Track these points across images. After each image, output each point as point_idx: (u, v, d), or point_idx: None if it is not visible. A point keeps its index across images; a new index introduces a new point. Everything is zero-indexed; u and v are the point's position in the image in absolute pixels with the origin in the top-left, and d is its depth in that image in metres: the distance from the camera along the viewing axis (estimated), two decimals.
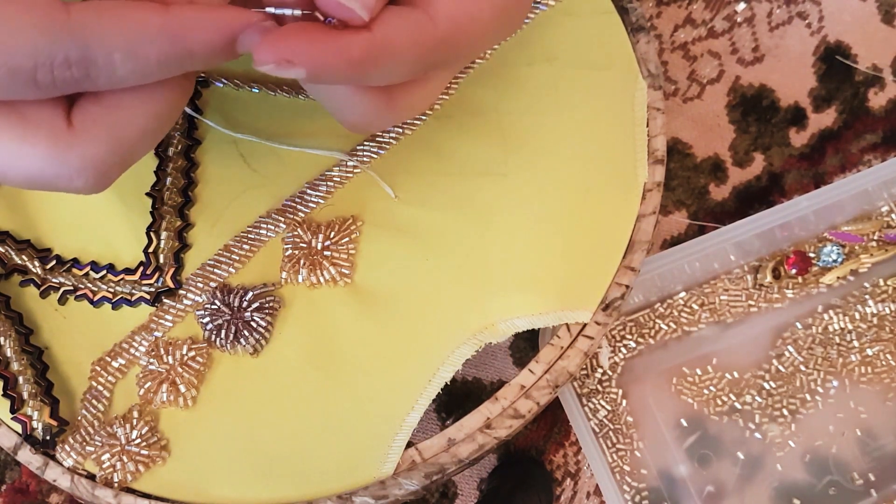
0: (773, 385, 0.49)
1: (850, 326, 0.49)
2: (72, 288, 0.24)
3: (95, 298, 0.24)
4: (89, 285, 0.24)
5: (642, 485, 0.49)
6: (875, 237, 0.50)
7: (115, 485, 0.23)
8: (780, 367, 0.49)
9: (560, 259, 0.24)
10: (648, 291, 0.49)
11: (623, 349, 0.50)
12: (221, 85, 0.26)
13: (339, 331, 0.24)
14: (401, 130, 0.26)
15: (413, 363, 0.23)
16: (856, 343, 0.49)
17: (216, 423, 0.23)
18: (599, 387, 0.49)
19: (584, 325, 0.24)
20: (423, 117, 0.26)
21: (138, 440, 0.23)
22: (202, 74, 0.26)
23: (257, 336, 0.23)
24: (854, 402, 0.49)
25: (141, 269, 0.24)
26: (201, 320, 0.24)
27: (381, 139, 0.26)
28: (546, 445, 0.66)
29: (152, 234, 0.24)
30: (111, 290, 0.24)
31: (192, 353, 0.24)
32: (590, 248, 0.24)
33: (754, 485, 0.48)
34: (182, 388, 0.23)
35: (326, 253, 0.24)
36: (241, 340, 0.23)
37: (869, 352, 0.49)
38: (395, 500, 0.22)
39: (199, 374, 0.23)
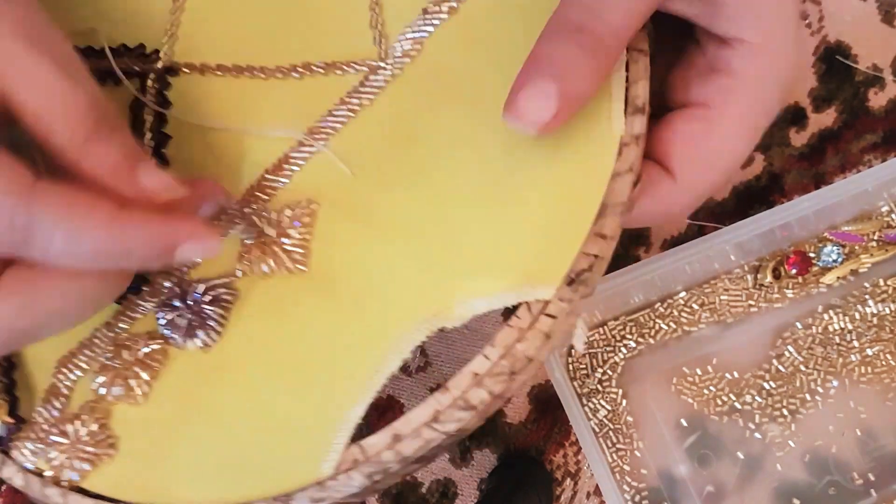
0: (773, 385, 0.49)
1: (850, 326, 0.49)
2: None
3: None
4: None
5: (642, 485, 0.49)
6: (875, 237, 0.50)
7: (64, 483, 0.22)
8: (780, 367, 0.49)
9: (523, 231, 0.22)
10: (648, 291, 0.49)
11: (623, 349, 0.50)
12: (189, 72, 0.26)
13: (290, 322, 0.23)
14: (358, 103, 0.25)
15: (359, 354, 0.22)
16: (856, 343, 0.49)
17: (164, 422, 0.23)
18: (599, 387, 0.49)
19: (547, 302, 0.21)
20: (377, 90, 0.25)
21: (87, 437, 0.22)
22: (172, 64, 0.26)
23: (208, 329, 0.23)
24: (854, 402, 0.49)
25: None
26: (157, 316, 0.23)
27: (338, 113, 0.25)
28: (546, 445, 0.66)
29: None
30: None
31: (147, 350, 0.23)
32: (555, 214, 0.22)
33: (754, 485, 0.48)
34: (134, 385, 0.23)
35: (279, 239, 0.23)
36: (193, 335, 0.23)
37: (869, 352, 0.49)
38: (334, 502, 0.21)
39: (154, 370, 0.23)
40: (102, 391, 0.23)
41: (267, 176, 0.25)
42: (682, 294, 0.50)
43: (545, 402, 0.68)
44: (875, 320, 0.49)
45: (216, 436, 0.22)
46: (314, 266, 0.23)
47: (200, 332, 0.23)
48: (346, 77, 0.25)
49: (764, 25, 0.22)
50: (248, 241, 0.24)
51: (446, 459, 0.68)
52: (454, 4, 0.25)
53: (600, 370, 0.50)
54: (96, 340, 0.24)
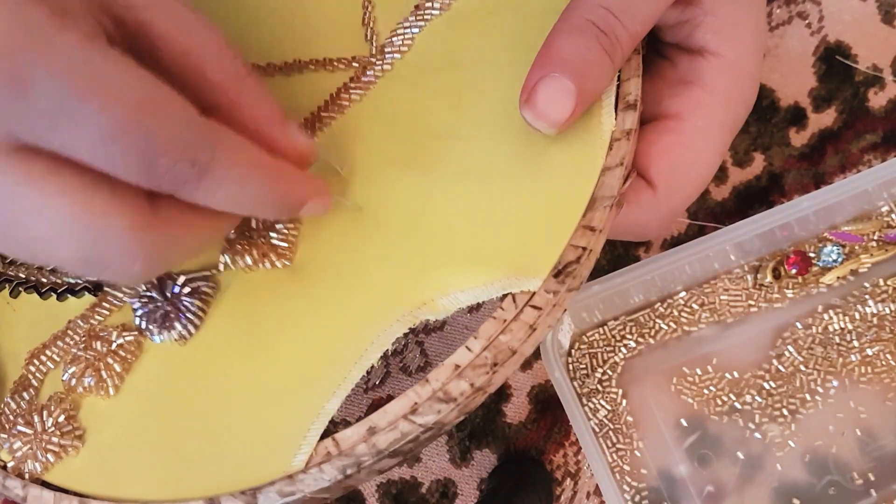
0: (773, 385, 0.49)
1: (850, 326, 0.49)
2: (24, 280, 0.24)
3: (43, 290, 0.24)
4: (41, 277, 0.24)
5: (642, 485, 0.49)
6: (875, 237, 0.50)
7: (26, 475, 0.22)
8: (780, 367, 0.49)
9: (510, 223, 0.22)
10: (648, 291, 0.49)
11: (623, 349, 0.50)
12: None
13: (270, 315, 0.23)
14: (347, 98, 0.25)
15: (339, 346, 0.22)
16: (856, 343, 0.49)
17: (135, 415, 0.22)
18: (599, 387, 0.49)
19: (533, 294, 0.21)
20: (368, 85, 0.25)
21: (53, 429, 0.22)
22: None
23: (185, 322, 0.22)
24: (854, 402, 0.49)
25: None
26: (133, 307, 0.23)
27: (328, 110, 0.25)
28: (546, 445, 0.66)
29: None
30: (59, 279, 0.24)
31: (121, 341, 0.23)
32: (544, 206, 0.22)
33: (754, 485, 0.48)
34: (105, 376, 0.22)
35: (265, 233, 0.23)
36: (170, 327, 0.23)
37: (869, 352, 0.49)
38: (304, 497, 0.20)
39: (126, 362, 0.23)
40: (73, 382, 0.22)
41: None
42: (682, 294, 0.50)
43: (545, 402, 0.68)
44: (875, 320, 0.49)
45: (186, 429, 0.22)
46: (298, 260, 0.23)
47: (177, 325, 0.22)
48: (336, 74, 0.25)
49: (741, 43, 0.23)
50: (231, 235, 0.23)
51: (446, 459, 0.68)
52: (446, 1, 0.25)
53: (600, 370, 0.50)
54: (70, 332, 0.23)
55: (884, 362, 0.49)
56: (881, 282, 0.50)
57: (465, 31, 0.25)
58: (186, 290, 0.23)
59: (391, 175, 0.23)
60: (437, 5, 0.25)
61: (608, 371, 0.50)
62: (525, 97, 0.21)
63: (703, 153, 0.23)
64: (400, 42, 0.25)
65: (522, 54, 0.24)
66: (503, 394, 0.69)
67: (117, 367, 0.22)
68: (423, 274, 0.22)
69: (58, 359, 0.23)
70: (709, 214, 0.65)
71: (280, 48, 0.26)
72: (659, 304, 0.50)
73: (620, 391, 0.49)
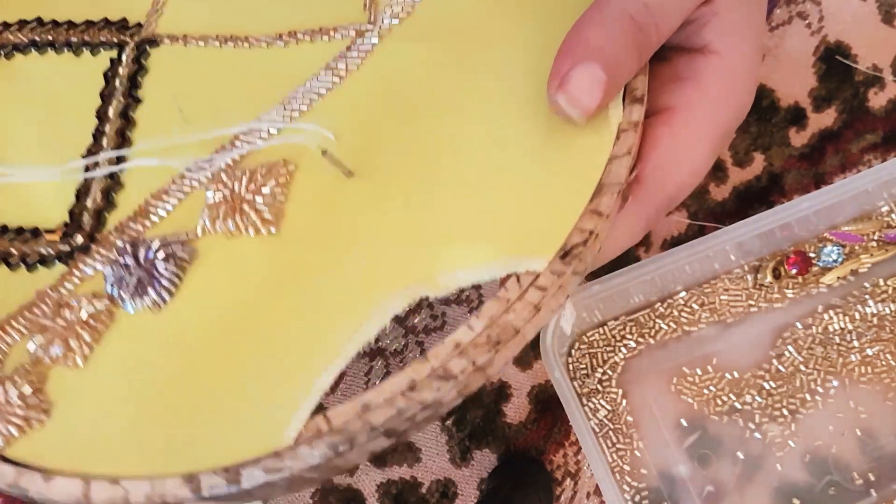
0: (773, 385, 0.49)
1: (850, 326, 0.49)
2: None
3: (13, 262, 0.23)
4: (11, 250, 0.23)
5: (642, 485, 0.49)
6: (875, 237, 0.50)
7: None
8: (780, 367, 0.49)
9: (513, 204, 0.22)
10: (648, 291, 0.49)
11: (623, 349, 0.50)
12: (170, 43, 0.26)
13: (254, 286, 0.22)
14: (344, 68, 0.24)
15: (332, 319, 0.21)
16: (856, 343, 0.49)
17: (106, 387, 0.21)
18: (599, 387, 0.49)
19: (538, 275, 0.20)
20: (365, 54, 0.24)
21: (17, 401, 0.21)
22: (153, 36, 0.26)
23: (160, 288, 0.21)
24: (854, 402, 0.49)
25: (63, 228, 0.23)
26: (105, 274, 0.22)
27: (323, 79, 0.24)
28: (546, 445, 0.66)
29: (80, 195, 0.24)
30: (29, 250, 0.23)
31: (91, 310, 0.22)
32: (550, 191, 0.22)
33: (754, 485, 0.48)
34: (74, 346, 0.21)
35: (249, 197, 0.22)
36: (143, 294, 0.22)
37: (869, 352, 0.49)
38: (292, 475, 0.19)
39: (96, 331, 0.21)
40: (39, 353, 0.21)
41: (241, 136, 0.24)
42: (682, 294, 0.50)
43: (545, 402, 0.68)
44: (875, 320, 0.49)
45: (162, 402, 0.21)
46: (287, 229, 0.22)
47: (151, 291, 0.21)
48: (332, 43, 0.25)
49: (743, 45, 0.23)
50: (212, 200, 0.22)
51: (446, 459, 0.68)
52: None
53: (600, 370, 0.50)
54: (38, 303, 0.22)
55: (884, 362, 0.49)
56: (881, 282, 0.50)
57: (468, 2, 0.24)
58: (161, 254, 0.22)
59: (389, 147, 0.23)
60: None
61: (608, 371, 0.50)
62: (557, 82, 0.21)
63: (694, 148, 0.23)
64: (399, 9, 0.25)
65: (529, 27, 0.24)
66: (503, 394, 0.69)
67: (87, 337, 0.21)
68: (422, 249, 0.21)
69: (25, 331, 0.22)
70: (709, 214, 0.65)
71: (275, 20, 0.26)
72: (659, 304, 0.50)
73: (620, 391, 0.49)
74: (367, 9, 0.25)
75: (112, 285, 0.22)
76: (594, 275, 0.43)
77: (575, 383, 0.49)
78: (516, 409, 0.68)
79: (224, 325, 0.21)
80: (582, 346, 0.50)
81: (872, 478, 0.48)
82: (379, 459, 0.70)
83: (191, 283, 0.22)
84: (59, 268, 0.23)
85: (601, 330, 0.50)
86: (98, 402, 0.21)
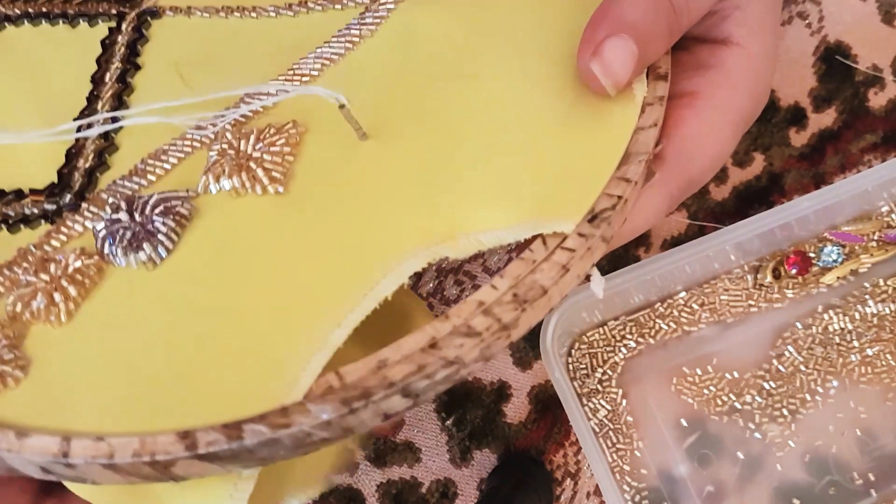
0: (773, 385, 0.49)
1: (850, 326, 0.49)
2: None
3: None
4: None
5: (642, 485, 0.49)
6: (875, 237, 0.50)
7: None
8: (780, 367, 0.49)
9: (539, 168, 0.21)
10: (648, 291, 0.49)
11: (623, 349, 0.50)
12: (173, 15, 0.25)
13: (260, 242, 0.21)
14: (358, 33, 0.24)
15: (346, 275, 0.20)
16: (856, 343, 0.49)
17: (93, 343, 0.20)
18: (599, 387, 0.49)
19: (565, 236, 0.20)
20: (380, 20, 0.24)
21: None
22: (154, 7, 0.25)
23: (156, 243, 0.20)
24: (854, 402, 0.49)
25: (50, 188, 0.22)
26: (96, 229, 0.21)
27: (335, 45, 0.24)
28: (546, 445, 0.66)
29: (70, 155, 0.23)
30: (12, 211, 0.22)
31: (78, 265, 0.20)
32: (576, 158, 0.21)
33: (754, 485, 0.48)
34: (58, 299, 0.20)
35: (256, 155, 0.21)
36: (137, 248, 0.20)
37: (869, 352, 0.49)
38: (301, 432, 0.18)
39: (84, 286, 0.20)
40: (18, 307, 0.20)
41: (246, 98, 0.23)
42: (682, 294, 0.50)
43: (545, 402, 0.68)
44: (875, 320, 0.49)
45: (155, 357, 0.19)
46: (296, 188, 0.21)
47: (146, 246, 0.20)
48: (345, 11, 0.24)
49: (763, 39, 0.23)
50: (215, 157, 0.22)
51: (446, 459, 0.68)
52: None
53: (600, 370, 0.50)
54: (19, 261, 0.21)
55: (884, 362, 0.49)
56: (881, 282, 0.50)
57: None
58: (159, 209, 0.20)
59: (405, 112, 0.22)
60: None
61: (608, 371, 0.50)
62: (591, 50, 0.21)
63: (717, 131, 0.23)
64: None
65: (557, 3, 0.24)
66: (503, 394, 0.69)
67: (72, 291, 0.20)
68: (442, 209, 0.21)
69: (2, 290, 0.21)
70: (709, 214, 0.65)
71: None
72: (659, 304, 0.50)
73: (620, 391, 0.49)
74: None
75: (103, 240, 0.21)
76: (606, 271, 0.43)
77: (575, 383, 0.49)
78: (516, 409, 0.68)
79: (226, 281, 0.20)
80: (582, 346, 0.50)
81: (872, 478, 0.48)
82: (379, 459, 0.70)
83: (190, 240, 0.21)
84: (45, 227, 0.22)
85: (601, 330, 0.50)
86: (83, 359, 0.20)
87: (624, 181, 0.21)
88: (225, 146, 0.22)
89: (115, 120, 0.23)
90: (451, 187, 0.21)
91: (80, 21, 0.26)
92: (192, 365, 0.19)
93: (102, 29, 0.25)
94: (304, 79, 0.23)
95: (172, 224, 0.21)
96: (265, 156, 0.21)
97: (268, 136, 0.22)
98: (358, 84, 0.23)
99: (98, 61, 0.25)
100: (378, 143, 0.22)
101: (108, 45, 0.25)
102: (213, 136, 0.22)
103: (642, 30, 0.21)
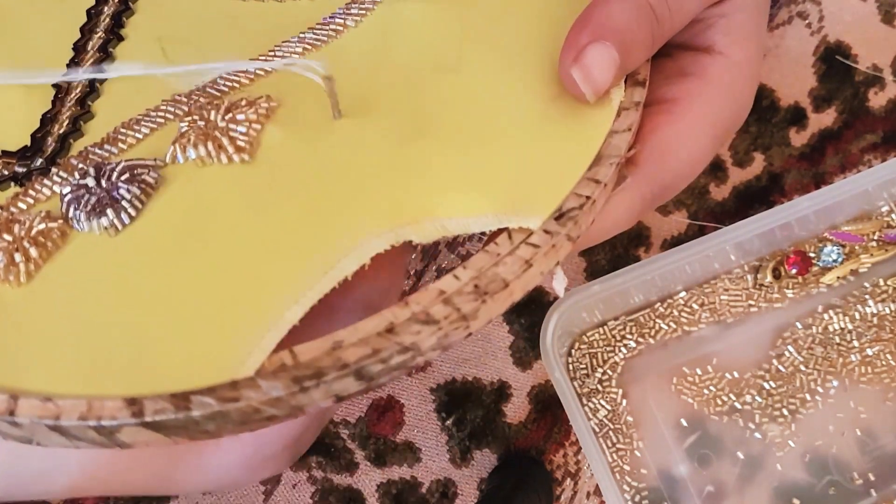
0: (773, 385, 0.49)
1: (850, 326, 0.49)
2: None
3: None
4: None
5: (642, 485, 0.49)
6: (875, 237, 0.50)
7: None
8: (780, 367, 0.49)
9: (511, 163, 0.21)
10: (648, 291, 0.49)
11: (623, 349, 0.50)
12: None
13: (224, 214, 0.21)
14: (343, 22, 0.24)
15: (306, 251, 0.20)
16: (856, 343, 0.49)
17: (49, 306, 0.20)
18: (599, 387, 0.49)
19: (530, 232, 0.20)
20: (366, 11, 0.24)
21: None
22: None
23: (119, 209, 0.20)
24: (854, 402, 0.49)
25: (22, 150, 0.22)
26: (62, 193, 0.21)
27: (320, 32, 0.24)
28: (546, 445, 0.66)
29: (45, 121, 0.23)
30: None
31: (42, 227, 0.20)
32: (548, 156, 0.22)
33: (754, 485, 0.48)
34: (19, 259, 0.20)
35: (223, 125, 0.21)
36: (100, 214, 0.20)
37: (869, 352, 0.49)
38: (249, 407, 0.18)
39: (46, 249, 0.20)
40: None
41: (224, 75, 0.23)
42: (682, 294, 0.50)
43: (545, 402, 0.68)
44: (875, 320, 0.49)
45: (108, 323, 0.19)
46: (262, 159, 0.21)
47: (109, 211, 0.20)
48: (332, 1, 0.25)
49: (747, 47, 0.23)
50: (185, 129, 0.22)
51: (446, 459, 0.68)
52: None
53: (600, 370, 0.50)
54: None
55: (884, 362, 0.49)
56: (881, 282, 0.50)
57: None
58: (125, 176, 0.21)
59: (383, 98, 0.22)
60: None
61: (608, 371, 0.50)
62: (573, 56, 0.21)
63: (692, 138, 0.23)
64: None
65: (539, 5, 0.24)
66: (503, 394, 0.69)
67: (33, 253, 0.20)
68: (410, 192, 0.21)
69: None
70: (709, 214, 0.65)
71: None
72: (659, 304, 0.50)
73: (620, 391, 0.49)
74: None
75: (68, 204, 0.21)
76: (594, 275, 0.42)
77: (575, 383, 0.49)
78: (516, 409, 0.68)
79: (185, 252, 0.20)
80: (582, 346, 0.50)
81: (872, 478, 0.48)
82: (379, 459, 0.70)
83: (154, 208, 0.21)
84: (13, 189, 0.22)
85: (601, 330, 0.50)
86: (37, 321, 0.19)
87: (594, 182, 0.21)
88: (196, 118, 0.22)
89: (91, 88, 0.23)
90: (421, 172, 0.21)
91: None
92: (145, 333, 0.19)
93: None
94: (285, 60, 0.23)
95: (137, 192, 0.21)
96: (231, 125, 0.21)
97: (238, 107, 0.22)
98: (338, 69, 0.23)
99: (82, 30, 0.25)
100: (352, 124, 0.22)
101: (93, 14, 0.25)
102: (186, 110, 0.22)
103: (625, 37, 0.21)
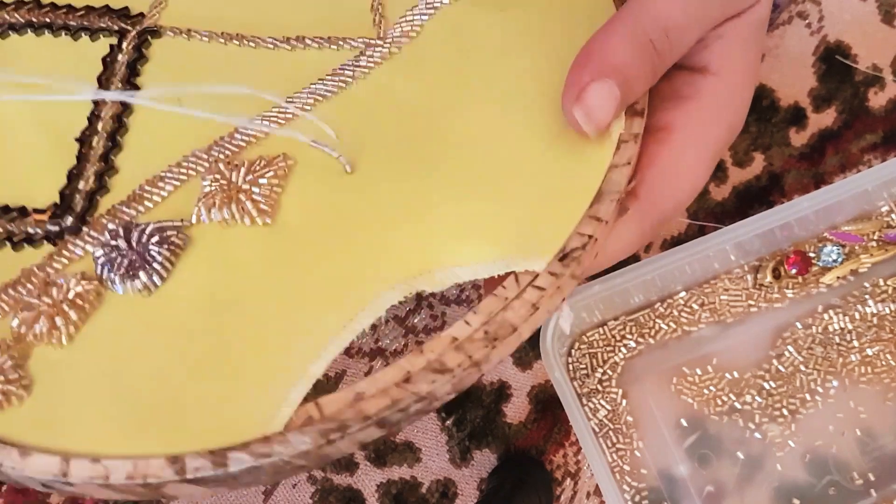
0: (773, 385, 0.49)
1: (850, 326, 0.49)
2: None
3: None
4: None
5: (642, 485, 0.49)
6: (875, 237, 0.50)
7: None
8: (780, 367, 0.49)
9: (514, 205, 0.22)
10: (648, 291, 0.49)
11: (623, 349, 0.50)
12: (173, 35, 0.26)
13: (248, 273, 0.22)
14: (351, 75, 0.25)
15: (326, 307, 0.21)
16: (856, 343, 0.49)
17: (90, 367, 0.21)
18: (599, 387, 0.49)
19: (536, 275, 0.21)
20: (373, 64, 0.25)
21: None
22: (155, 26, 0.26)
23: (151, 272, 0.21)
24: (854, 402, 0.49)
25: (52, 209, 0.23)
26: (95, 255, 0.22)
27: (329, 82, 0.25)
28: (546, 445, 0.66)
29: (72, 177, 0.24)
30: (15, 228, 0.23)
31: (79, 289, 0.21)
32: (550, 196, 0.22)
33: (754, 485, 0.48)
34: (60, 323, 0.21)
35: (245, 187, 0.22)
36: (134, 276, 0.21)
37: (869, 352, 0.49)
38: (281, 461, 0.19)
39: (83, 311, 0.21)
40: (22, 329, 0.21)
41: (241, 129, 0.24)
42: (682, 294, 0.50)
43: (545, 402, 0.68)
44: (875, 320, 0.49)
45: (148, 384, 0.20)
46: (282, 220, 0.22)
47: (142, 274, 0.21)
48: (340, 52, 0.25)
49: (743, 67, 0.23)
50: (208, 188, 0.23)
51: (446, 459, 0.68)
52: None
53: (600, 370, 0.50)
54: (23, 281, 0.22)
55: (884, 362, 0.49)
56: (881, 282, 0.50)
57: (476, 22, 0.25)
58: (154, 238, 0.22)
59: (390, 149, 0.23)
60: None
61: (608, 371, 0.50)
62: (575, 95, 0.21)
63: (689, 167, 0.23)
64: (409, 27, 0.25)
65: (536, 48, 0.25)
66: (503, 394, 0.69)
67: (73, 315, 0.21)
68: (420, 244, 0.21)
69: (7, 308, 0.22)
70: (709, 214, 0.65)
71: (282, 25, 0.26)
72: (659, 304, 0.50)
73: (620, 391, 0.49)
74: (376, 25, 0.26)
75: (102, 266, 0.22)
76: (594, 275, 0.43)
77: (575, 383, 0.49)
78: (516, 409, 0.68)
79: (215, 310, 0.21)
80: (582, 346, 0.50)
81: (872, 478, 0.48)
82: (379, 459, 0.70)
83: (183, 268, 0.22)
84: (47, 248, 0.23)
85: (601, 330, 0.50)
86: (81, 381, 0.21)
87: (595, 220, 0.22)
88: (217, 176, 0.23)
89: (114, 142, 0.24)
90: (430, 222, 0.22)
91: (83, 34, 0.26)
92: (182, 391, 0.20)
93: (104, 44, 0.26)
94: (298, 113, 0.24)
95: (167, 253, 0.22)
96: (254, 188, 0.22)
97: (258, 168, 0.23)
98: (347, 121, 0.24)
99: (99, 79, 0.25)
100: (362, 177, 0.23)
101: (108, 62, 0.26)
102: (207, 166, 0.23)
103: (626, 73, 0.21)
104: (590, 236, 0.21)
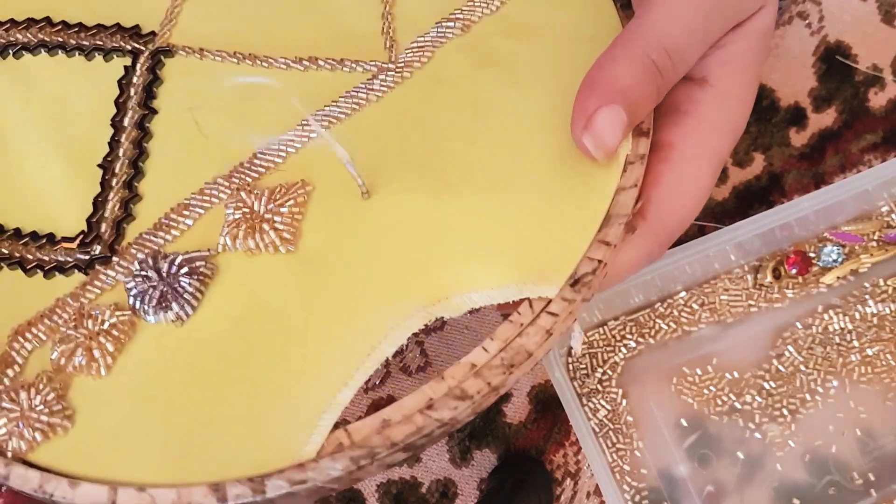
0: (773, 385, 0.49)
1: (850, 326, 0.49)
2: (7, 256, 0.23)
3: (29, 267, 0.23)
4: (26, 254, 0.23)
5: (642, 485, 0.49)
6: (875, 237, 0.50)
7: (9, 454, 0.21)
8: (780, 367, 0.49)
9: (526, 230, 0.23)
10: (648, 291, 0.49)
11: (623, 349, 0.50)
12: (185, 55, 0.26)
13: (274, 301, 0.22)
14: (365, 97, 0.25)
15: (351, 336, 0.21)
16: (856, 343, 0.49)
17: (129, 396, 0.21)
18: (599, 387, 0.49)
19: (549, 300, 0.22)
20: (387, 88, 0.25)
21: (41, 406, 0.21)
22: (168, 45, 0.26)
23: (183, 303, 0.22)
24: (854, 402, 0.49)
25: (81, 237, 0.24)
26: (127, 286, 0.22)
27: (343, 104, 0.25)
28: (546, 445, 0.66)
29: (97, 205, 0.24)
30: (47, 257, 0.23)
31: (113, 320, 0.22)
32: (560, 220, 0.23)
33: (754, 485, 0.48)
34: (97, 355, 0.22)
35: (268, 216, 0.23)
36: (166, 308, 0.22)
37: (869, 352, 0.49)
38: (315, 486, 0.20)
39: (119, 342, 0.22)
40: (62, 361, 0.22)
41: (259, 154, 0.24)
42: (682, 294, 0.50)
43: (545, 402, 0.68)
44: (875, 320, 0.49)
45: (186, 413, 0.21)
46: (304, 247, 0.23)
47: (174, 305, 0.22)
48: (352, 75, 0.26)
49: (743, 76, 0.23)
50: (232, 217, 0.23)
51: (446, 459, 0.68)
52: (467, 22, 0.26)
53: (600, 370, 0.50)
54: (58, 310, 0.23)
55: (884, 362, 0.49)
56: (881, 282, 0.50)
57: (486, 51, 0.26)
58: (184, 269, 0.22)
59: (405, 172, 0.24)
60: (458, 25, 0.26)
61: (608, 371, 0.50)
62: (583, 123, 0.22)
63: (692, 183, 0.23)
64: (421, 53, 0.26)
65: (544, 77, 0.25)
66: (503, 394, 0.69)
67: (109, 347, 0.22)
68: (438, 270, 0.22)
69: (44, 337, 0.22)
70: (709, 214, 0.65)
71: (295, 46, 0.26)
72: (659, 304, 0.50)
73: (620, 391, 0.49)
74: (388, 49, 0.26)
75: (135, 298, 0.22)
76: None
77: (575, 383, 0.49)
78: (516, 409, 0.68)
79: (244, 339, 0.22)
80: (582, 346, 0.50)
81: (872, 478, 0.48)
82: None
83: (212, 298, 0.22)
84: (78, 276, 0.23)
85: (601, 330, 0.50)
86: (122, 411, 0.21)
87: (604, 244, 0.22)
88: (240, 205, 0.23)
89: (136, 169, 0.25)
90: (446, 248, 0.22)
91: (96, 55, 0.26)
92: (219, 419, 0.21)
93: (118, 65, 0.26)
94: (313, 135, 0.25)
95: (197, 283, 0.22)
96: (276, 217, 0.23)
97: (278, 196, 0.23)
98: (362, 143, 0.24)
99: (117, 103, 0.26)
100: (379, 202, 0.23)
101: (124, 85, 0.26)
102: (229, 192, 0.24)
103: (632, 97, 0.21)
104: (599, 261, 0.22)
